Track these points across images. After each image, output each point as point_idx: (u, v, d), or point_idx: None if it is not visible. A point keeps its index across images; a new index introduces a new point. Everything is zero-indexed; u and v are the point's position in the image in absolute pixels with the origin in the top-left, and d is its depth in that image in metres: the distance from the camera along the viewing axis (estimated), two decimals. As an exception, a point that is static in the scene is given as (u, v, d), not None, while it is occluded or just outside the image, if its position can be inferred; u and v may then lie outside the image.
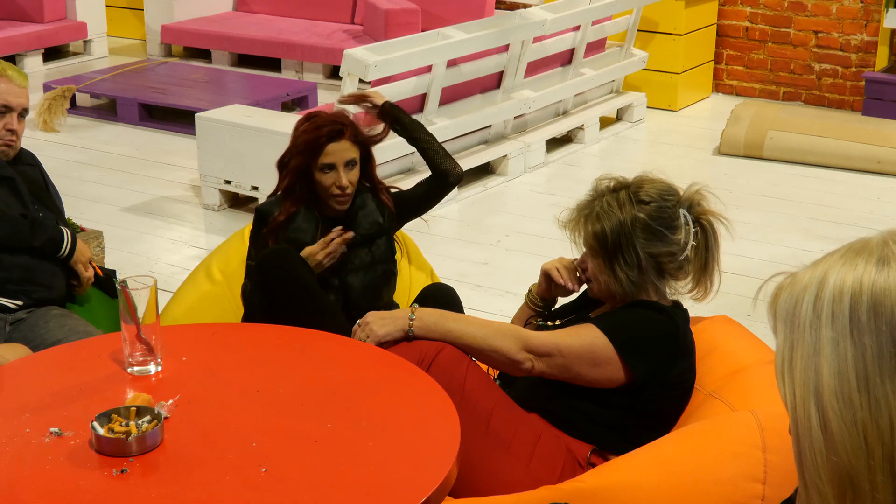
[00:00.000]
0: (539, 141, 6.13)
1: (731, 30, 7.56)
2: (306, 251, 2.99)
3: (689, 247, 2.51)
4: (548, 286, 2.76)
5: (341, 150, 3.02)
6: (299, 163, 3.03)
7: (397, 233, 3.28)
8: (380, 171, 5.37)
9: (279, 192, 3.11)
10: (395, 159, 5.36)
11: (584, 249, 2.56)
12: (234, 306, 3.23)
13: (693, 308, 2.63)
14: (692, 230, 2.50)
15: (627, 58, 6.98)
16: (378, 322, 2.49)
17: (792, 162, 6.24)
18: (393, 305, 3.18)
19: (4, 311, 3.10)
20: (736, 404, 2.40)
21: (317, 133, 3.01)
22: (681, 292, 2.59)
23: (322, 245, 2.99)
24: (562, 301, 2.84)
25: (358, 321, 2.56)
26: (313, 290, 2.94)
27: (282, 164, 3.10)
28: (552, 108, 6.45)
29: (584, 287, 2.74)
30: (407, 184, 5.30)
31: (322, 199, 3.07)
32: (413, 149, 5.38)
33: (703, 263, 2.55)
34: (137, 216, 5.35)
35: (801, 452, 1.06)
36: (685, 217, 2.50)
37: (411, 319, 2.48)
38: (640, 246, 2.46)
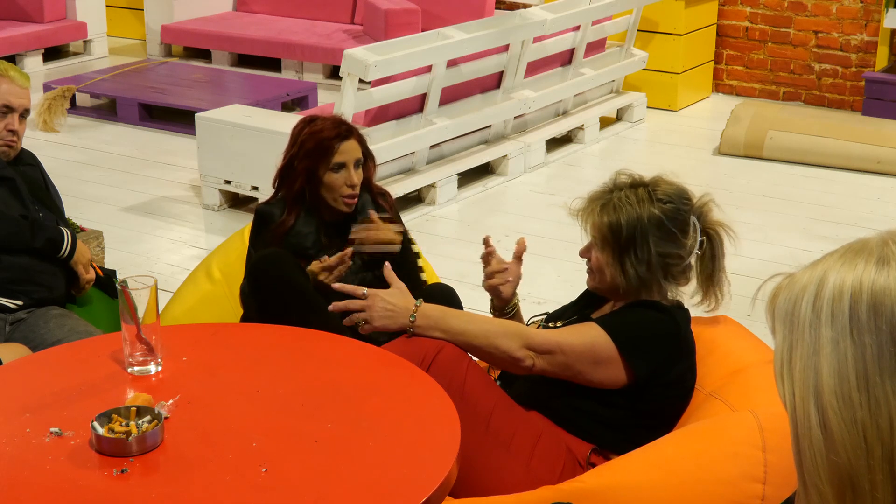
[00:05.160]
0: (539, 141, 6.14)
1: (731, 30, 7.56)
2: (312, 268, 2.99)
3: (694, 254, 2.51)
4: (497, 296, 2.78)
5: (351, 150, 3.07)
6: (308, 165, 3.05)
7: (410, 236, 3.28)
8: (379, 171, 5.39)
9: (282, 196, 3.11)
10: (395, 159, 5.37)
11: (592, 238, 2.55)
12: (233, 306, 3.23)
13: (693, 308, 2.64)
14: (699, 239, 2.51)
15: (627, 58, 6.98)
16: (381, 312, 2.49)
17: (792, 162, 6.23)
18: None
19: (4, 311, 3.10)
20: (736, 404, 2.40)
21: (326, 134, 3.05)
22: (691, 304, 2.60)
23: (325, 266, 2.99)
24: (562, 302, 2.84)
25: (364, 290, 2.55)
26: (306, 293, 2.94)
27: (287, 169, 3.09)
28: (552, 108, 6.45)
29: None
30: (406, 185, 5.34)
31: (326, 202, 3.07)
32: (413, 150, 5.40)
33: (710, 273, 2.56)
34: (137, 216, 5.35)
35: (800, 452, 1.06)
36: (695, 224, 2.51)
37: (412, 318, 2.48)
38: (652, 243, 2.47)
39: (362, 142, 3.12)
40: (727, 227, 2.58)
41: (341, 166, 3.05)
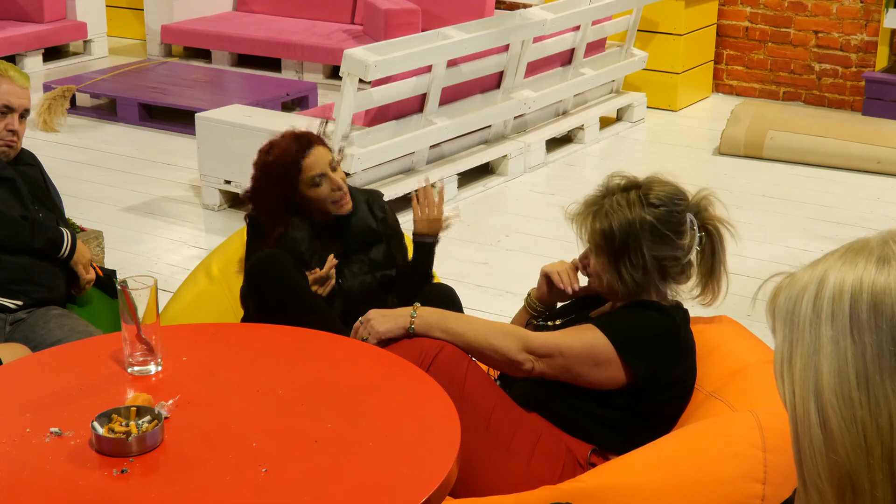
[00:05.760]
0: (539, 141, 6.13)
1: (731, 30, 7.56)
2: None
3: (694, 252, 2.51)
4: (548, 289, 2.76)
5: (320, 156, 3.01)
6: (283, 192, 3.00)
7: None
8: (379, 171, 5.41)
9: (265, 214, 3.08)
10: (395, 159, 5.37)
11: (589, 245, 2.55)
12: (233, 306, 3.23)
13: (693, 308, 2.63)
14: (697, 235, 2.51)
15: (627, 58, 6.98)
16: (379, 319, 2.50)
17: (792, 162, 6.24)
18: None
19: (4, 311, 3.10)
20: (736, 404, 2.40)
21: (289, 154, 2.99)
22: (688, 297, 2.59)
23: (317, 279, 2.98)
24: (562, 301, 2.84)
25: (360, 318, 2.56)
26: (305, 292, 2.94)
27: (259, 197, 3.05)
28: (552, 108, 6.45)
29: (584, 286, 2.74)
30: (406, 185, 5.34)
31: (319, 211, 3.05)
32: (413, 150, 5.41)
33: (710, 268, 2.55)
34: (137, 216, 5.35)
35: (800, 451, 1.06)
36: (692, 222, 2.50)
37: (412, 317, 2.48)
38: (646, 248, 2.46)
39: (327, 144, 3.06)
40: (726, 223, 2.57)
41: (320, 176, 2.99)
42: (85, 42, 8.60)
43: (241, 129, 5.23)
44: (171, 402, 2.18)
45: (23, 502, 1.88)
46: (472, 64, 5.61)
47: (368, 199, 3.17)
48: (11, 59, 7.78)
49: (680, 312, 2.54)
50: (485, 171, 5.93)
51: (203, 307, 3.29)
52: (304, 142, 3.01)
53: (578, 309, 2.73)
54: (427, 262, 3.11)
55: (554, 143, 6.38)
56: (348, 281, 3.07)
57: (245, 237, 3.35)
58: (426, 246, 3.10)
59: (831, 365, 1.03)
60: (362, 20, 8.10)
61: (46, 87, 6.94)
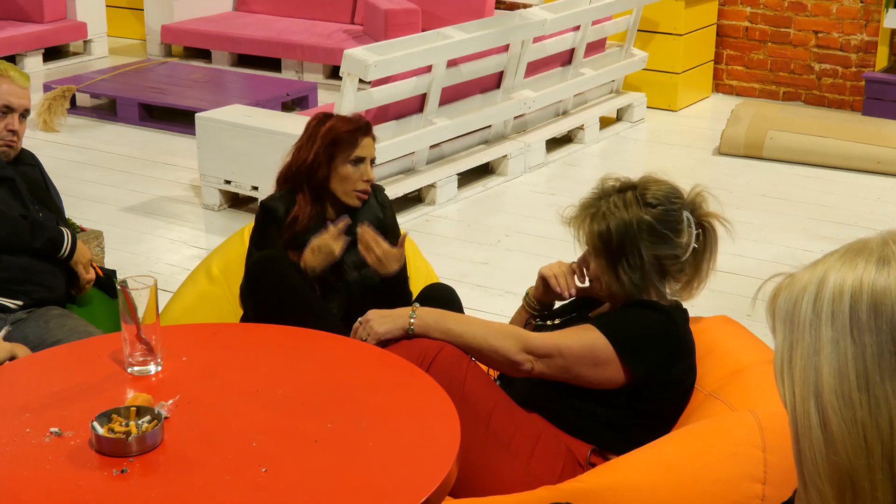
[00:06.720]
0: (539, 141, 6.14)
1: (731, 30, 7.56)
2: (319, 241, 2.98)
3: (692, 249, 2.51)
4: (545, 290, 2.76)
5: (369, 145, 3.13)
6: (328, 157, 3.06)
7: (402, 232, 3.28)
8: (379, 171, 5.41)
9: (290, 190, 3.10)
10: (395, 159, 5.37)
11: (587, 248, 2.55)
12: (233, 306, 3.23)
13: (693, 308, 2.63)
14: (694, 232, 2.50)
15: (627, 58, 6.98)
16: (378, 320, 2.50)
17: (792, 162, 6.24)
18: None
19: (4, 311, 3.10)
20: (736, 404, 2.40)
21: (349, 127, 3.09)
22: (671, 291, 2.58)
23: (334, 235, 2.98)
24: (560, 301, 2.83)
25: (359, 319, 2.56)
26: (304, 294, 2.94)
27: (304, 161, 3.08)
28: (552, 108, 6.45)
29: (582, 287, 2.74)
30: (406, 185, 5.35)
31: (334, 195, 3.07)
32: (413, 150, 5.41)
33: (698, 265, 2.54)
34: (137, 216, 5.35)
35: (800, 452, 1.06)
36: (688, 219, 2.50)
37: (412, 318, 2.48)
38: (644, 248, 2.46)
39: (375, 140, 3.18)
40: (721, 218, 2.57)
41: (361, 160, 3.09)
42: (85, 42, 8.60)
43: (241, 129, 5.23)
44: (171, 402, 2.18)
45: (23, 502, 1.88)
46: (472, 64, 5.61)
47: (374, 191, 3.22)
48: (11, 59, 7.78)
49: (679, 312, 2.54)
50: (485, 171, 5.93)
51: (203, 307, 3.29)
52: (364, 123, 3.14)
53: (578, 308, 2.73)
54: (398, 293, 3.06)
55: (554, 143, 6.38)
56: (351, 272, 3.08)
57: (245, 237, 3.34)
58: (391, 279, 3.04)
59: (831, 365, 1.03)
60: (362, 20, 8.10)
61: (46, 87, 6.94)
